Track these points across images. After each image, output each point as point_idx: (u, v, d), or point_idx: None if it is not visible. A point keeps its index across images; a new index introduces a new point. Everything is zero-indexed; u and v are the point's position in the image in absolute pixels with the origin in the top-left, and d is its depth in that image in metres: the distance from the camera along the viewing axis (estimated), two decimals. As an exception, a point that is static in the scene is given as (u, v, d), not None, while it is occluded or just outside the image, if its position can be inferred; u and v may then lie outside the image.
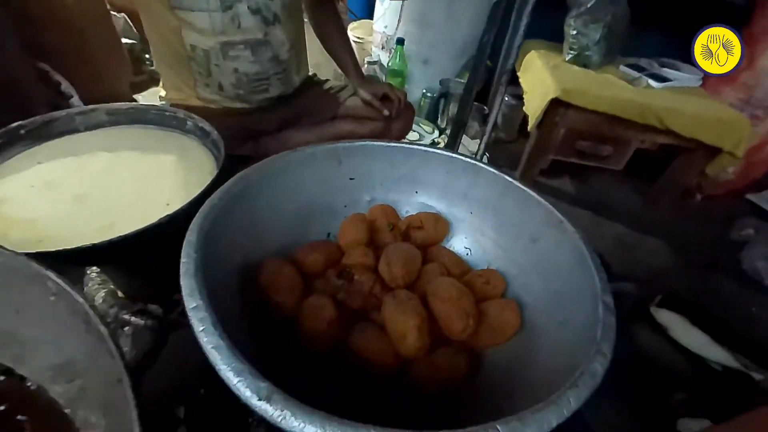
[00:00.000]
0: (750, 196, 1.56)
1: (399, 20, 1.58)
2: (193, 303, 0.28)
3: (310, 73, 1.20)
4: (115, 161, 0.69)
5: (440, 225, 0.55)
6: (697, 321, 0.71)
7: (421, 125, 1.59)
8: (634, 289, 0.79)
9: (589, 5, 1.28)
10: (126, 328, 0.68)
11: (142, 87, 1.54)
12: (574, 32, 1.35)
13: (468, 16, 1.54)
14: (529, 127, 1.33)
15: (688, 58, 1.43)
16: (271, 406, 0.22)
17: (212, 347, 0.25)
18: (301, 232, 0.52)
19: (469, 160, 0.54)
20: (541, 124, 1.31)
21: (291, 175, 0.49)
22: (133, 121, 0.77)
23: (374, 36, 1.73)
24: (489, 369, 0.43)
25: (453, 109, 1.62)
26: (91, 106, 0.74)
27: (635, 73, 1.35)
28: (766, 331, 1.07)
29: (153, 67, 1.53)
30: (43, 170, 0.65)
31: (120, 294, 0.73)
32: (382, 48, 1.69)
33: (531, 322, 0.44)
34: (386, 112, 1.08)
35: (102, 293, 0.74)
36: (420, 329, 0.38)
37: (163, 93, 1.05)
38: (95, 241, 0.47)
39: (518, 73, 1.54)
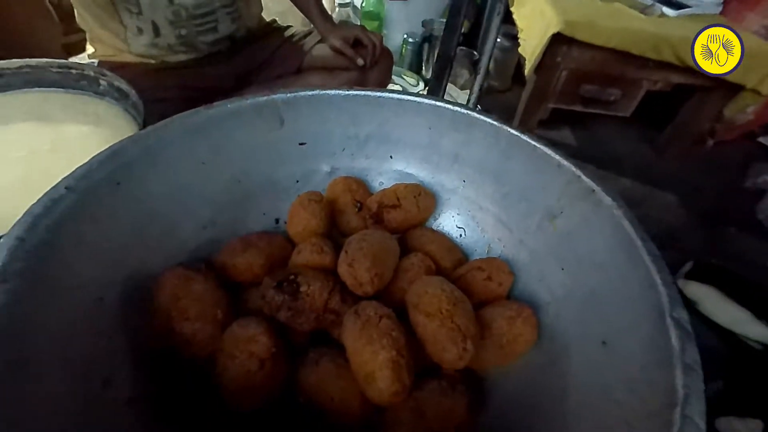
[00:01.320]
0: (762, 139, 1.43)
1: (372, -49, 1.34)
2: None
3: (269, 19, 1.01)
4: (7, 136, 0.54)
5: (423, 200, 0.41)
6: (732, 293, 0.60)
7: (404, 76, 1.40)
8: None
9: None
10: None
11: (78, 48, 1.31)
12: (578, -47, 1.14)
13: (452, -60, 1.31)
14: (525, 72, 1.16)
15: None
16: None
17: None
18: (233, 222, 0.38)
19: (459, 109, 0.40)
20: (539, 66, 1.13)
21: (206, 143, 0.34)
22: (29, 82, 0.60)
23: (345, -28, 1.49)
24: (496, 403, 0.31)
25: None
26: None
27: (648, 0, 1.17)
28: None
29: (84, 21, 1.30)
30: None
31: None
32: (355, -13, 1.46)
33: (551, 331, 0.32)
34: (360, 61, 0.92)
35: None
36: (395, 365, 0.26)
37: (91, 50, 0.86)
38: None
39: (512, 8, 1.34)
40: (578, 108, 1.22)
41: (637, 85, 1.14)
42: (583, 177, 0.32)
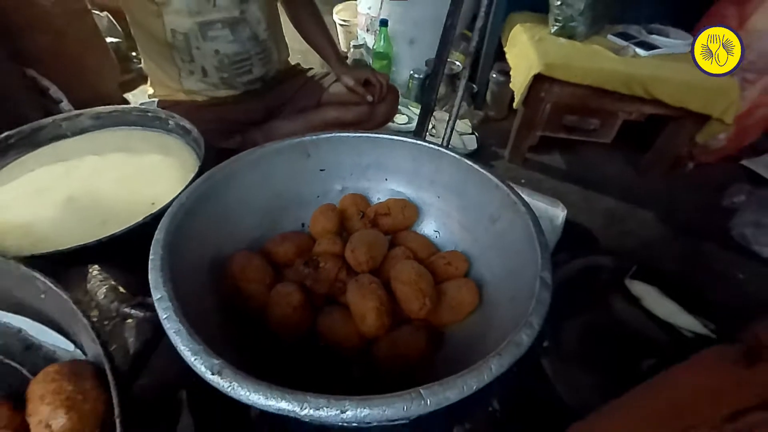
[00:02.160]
0: (745, 162, 1.55)
1: (382, 0, 1.56)
2: (157, 294, 0.31)
3: (294, 62, 1.21)
4: (102, 164, 0.73)
5: (408, 210, 0.57)
6: (669, 291, 0.73)
7: (410, 107, 1.59)
8: (612, 262, 0.81)
9: (573, -27, 1.25)
10: (128, 321, 0.72)
11: (131, 85, 1.56)
12: (558, 2, 1.32)
13: (452, -9, 1.52)
14: (515, 104, 1.33)
15: (679, 22, 1.41)
16: (222, 379, 0.26)
17: (174, 332, 0.28)
18: (275, 223, 0.55)
19: (432, 146, 0.56)
20: (526, 100, 1.30)
21: (258, 172, 0.51)
22: (117, 123, 0.80)
23: (359, 18, 1.71)
24: (450, 345, 0.46)
25: (441, 90, 1.62)
26: (75, 112, 0.76)
27: (622, 42, 1.33)
28: (753, 297, 1.09)
29: (141, 65, 1.54)
30: (34, 177, 0.68)
31: (120, 289, 0.77)
32: (367, 30, 1.67)
33: (489, 300, 0.47)
34: (369, 98, 1.09)
35: (104, 289, 0.79)
36: (378, 310, 0.42)
37: (150, 91, 1.07)
38: (86, 241, 0.51)
39: (505, 49, 1.52)
40: (563, 135, 1.37)
41: (614, 116, 1.29)
42: (510, 194, 0.48)
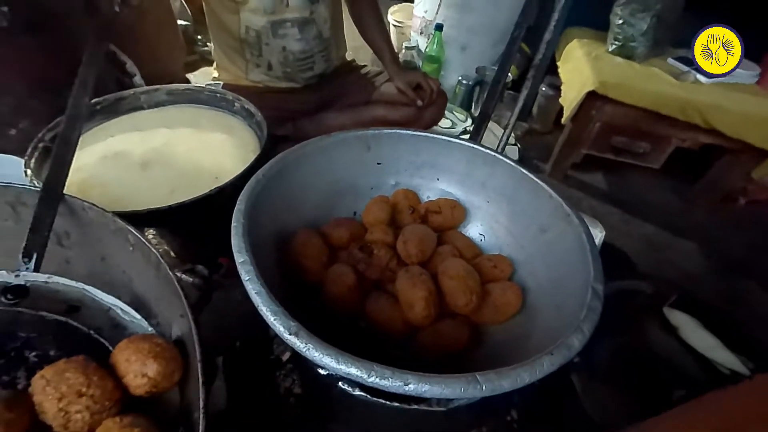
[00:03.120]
0: (803, 203, 1.47)
1: (439, 4, 1.58)
2: (241, 258, 0.35)
3: (349, 59, 1.25)
4: (173, 136, 0.78)
5: (457, 211, 0.59)
6: (709, 324, 0.72)
7: (455, 113, 1.60)
8: (650, 288, 0.80)
9: (639, -7, 1.23)
10: (177, 285, 0.78)
11: (194, 66, 1.65)
12: (620, 21, 1.30)
13: (511, 0, 1.52)
14: (563, 119, 1.31)
15: (747, 52, 1.35)
16: (298, 339, 0.29)
17: (255, 293, 0.32)
18: (331, 208, 0.58)
19: (488, 151, 0.58)
20: (575, 116, 1.28)
21: (324, 158, 0.55)
22: (189, 100, 0.86)
23: (413, 21, 1.74)
24: (489, 344, 0.48)
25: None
26: (153, 87, 0.83)
27: (683, 67, 1.29)
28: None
29: (204, 48, 1.63)
30: (113, 143, 0.74)
31: (172, 254, 0.83)
32: (421, 33, 1.70)
33: (532, 305, 0.48)
34: (419, 102, 1.11)
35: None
36: (427, 300, 0.44)
37: (215, 74, 1.14)
38: (158, 206, 0.56)
39: (558, 63, 1.51)
40: (609, 156, 1.35)
41: (666, 141, 1.26)
42: (564, 205, 0.49)
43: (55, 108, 0.87)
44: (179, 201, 0.59)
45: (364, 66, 1.25)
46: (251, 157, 0.75)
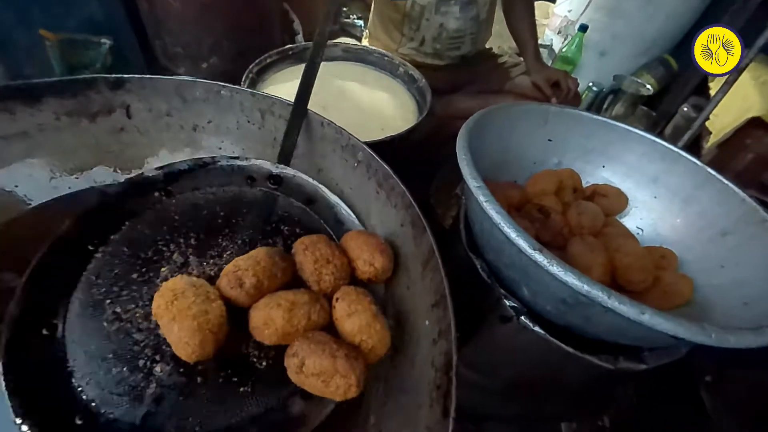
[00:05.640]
0: None
1: (587, 5, 1.52)
2: (476, 183, 0.40)
3: (487, 46, 1.27)
4: (345, 88, 0.88)
5: (622, 199, 0.60)
6: None
7: (577, 118, 1.55)
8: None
9: (838, 19, 1.09)
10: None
11: (334, 36, 1.78)
12: (805, 48, 1.16)
13: (668, 9, 1.42)
14: (707, 143, 1.22)
15: None
16: (541, 255, 0.33)
17: (495, 213, 0.37)
18: (498, 171, 0.62)
19: (670, 146, 0.58)
20: (725, 143, 1.18)
21: (508, 122, 0.59)
22: (358, 59, 0.95)
23: (552, 19, 1.70)
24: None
25: (619, 109, 1.54)
26: (333, 41, 0.93)
27: None
28: None
29: (346, 20, 1.75)
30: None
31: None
32: (558, 32, 1.66)
33: (705, 300, 0.48)
34: (554, 101, 1.10)
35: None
36: (605, 267, 0.46)
37: (365, 42, 1.23)
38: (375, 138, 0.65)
39: (710, 83, 1.39)
40: (754, 193, 1.22)
41: (832, 188, 1.11)
42: (761, 210, 0.48)
43: (241, 47, 1.01)
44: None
45: (501, 56, 1.26)
46: (411, 117, 0.82)
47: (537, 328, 0.43)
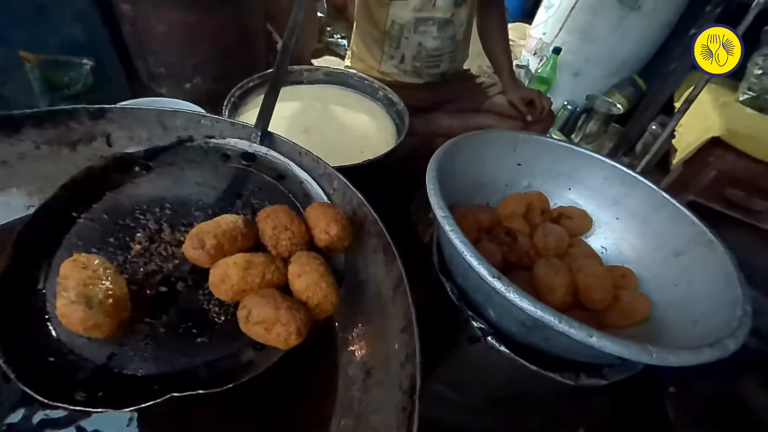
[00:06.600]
0: None
1: (560, 29, 1.60)
2: (442, 213, 0.43)
3: (465, 67, 1.33)
4: (326, 111, 0.90)
5: (587, 221, 0.63)
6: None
7: (553, 135, 1.62)
8: (754, 343, 0.78)
9: (786, 46, 1.17)
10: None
11: (317, 54, 1.81)
12: (759, 72, 1.24)
13: (637, 33, 1.50)
14: (674, 161, 1.29)
15: None
16: (499, 282, 0.36)
17: (459, 242, 0.39)
18: (471, 195, 0.65)
19: (630, 171, 0.62)
20: (689, 160, 1.25)
21: (479, 149, 0.62)
22: (339, 82, 0.98)
23: (528, 41, 1.78)
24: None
25: (592, 127, 1.61)
26: (314, 66, 0.96)
27: (826, 129, 1.21)
28: None
29: (330, 39, 1.79)
30: (281, 108, 0.87)
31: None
32: (534, 54, 1.73)
33: (659, 318, 0.52)
34: (529, 118, 1.15)
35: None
36: (567, 288, 0.49)
37: (347, 63, 1.26)
38: (352, 162, 0.67)
39: (675, 103, 1.47)
40: (718, 208, 1.29)
41: (788, 204, 1.19)
42: (708, 232, 0.52)
43: (225, 68, 1.03)
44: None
45: (479, 76, 1.32)
46: (390, 140, 0.85)
47: (503, 348, 0.45)
